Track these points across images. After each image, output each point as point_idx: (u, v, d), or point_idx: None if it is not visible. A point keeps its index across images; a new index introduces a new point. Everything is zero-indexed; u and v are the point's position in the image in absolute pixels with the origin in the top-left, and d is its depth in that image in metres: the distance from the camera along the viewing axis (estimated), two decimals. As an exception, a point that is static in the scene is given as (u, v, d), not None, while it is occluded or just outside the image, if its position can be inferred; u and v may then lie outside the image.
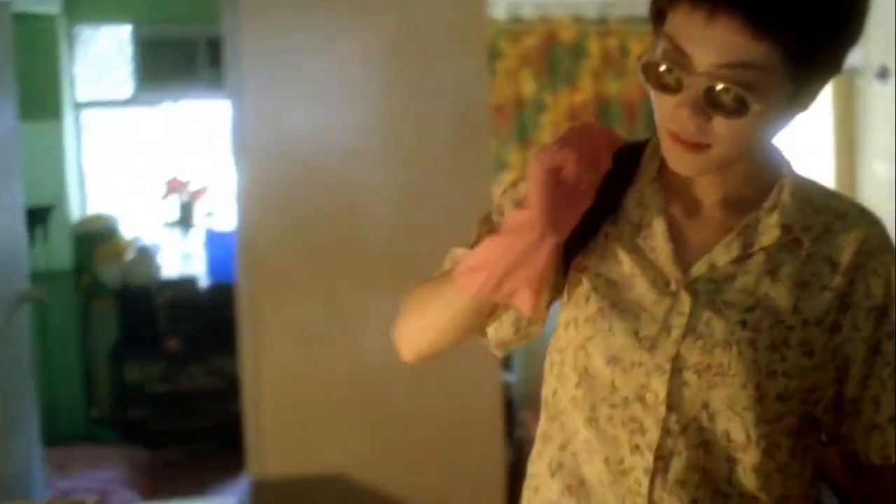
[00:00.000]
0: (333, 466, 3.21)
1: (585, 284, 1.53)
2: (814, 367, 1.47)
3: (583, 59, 6.48)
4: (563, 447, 1.56)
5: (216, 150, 6.48)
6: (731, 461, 1.49)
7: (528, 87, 6.34)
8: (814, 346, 1.46)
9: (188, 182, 6.29)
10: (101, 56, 6.56)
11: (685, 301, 1.46)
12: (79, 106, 6.44)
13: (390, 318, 1.65)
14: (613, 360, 1.49)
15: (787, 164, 1.51)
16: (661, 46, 1.34)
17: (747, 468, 1.48)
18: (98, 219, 6.30)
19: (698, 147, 1.37)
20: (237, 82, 3.55)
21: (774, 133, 1.44)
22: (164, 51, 6.39)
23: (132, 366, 6.21)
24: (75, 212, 6.32)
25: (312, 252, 3.54)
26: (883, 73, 6.65)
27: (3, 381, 3.65)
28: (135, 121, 6.60)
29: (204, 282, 6.25)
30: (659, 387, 1.46)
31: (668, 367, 1.45)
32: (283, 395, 3.53)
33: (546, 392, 1.60)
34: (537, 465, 1.61)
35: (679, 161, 1.41)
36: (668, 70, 1.33)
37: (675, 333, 1.46)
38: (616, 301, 1.50)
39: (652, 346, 1.47)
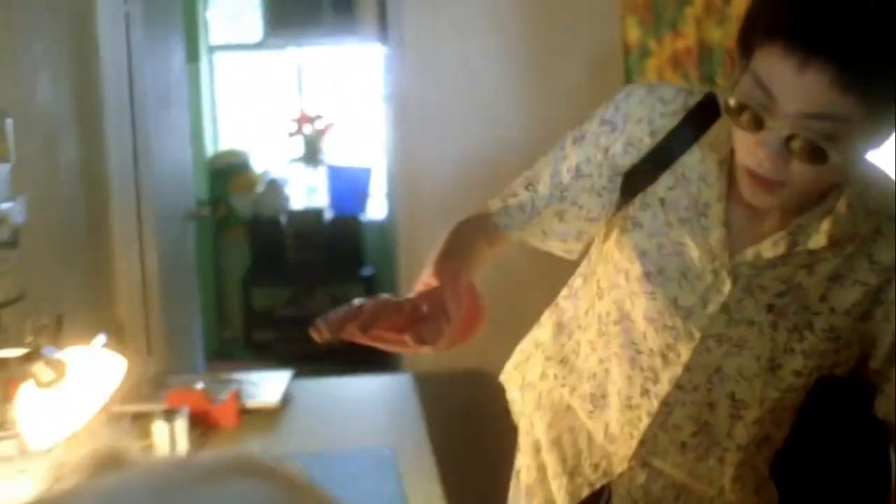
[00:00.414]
0: (478, 364, 3.53)
1: (638, 243, 1.60)
2: (837, 350, 1.55)
3: (686, 7, 6.71)
4: (601, 360, 1.72)
5: (341, 91, 6.88)
6: (734, 417, 1.61)
7: (634, 33, 6.62)
8: (840, 332, 1.53)
9: (316, 117, 6.66)
10: (233, 2, 6.98)
11: (726, 282, 1.53)
12: (212, 49, 6.88)
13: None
14: (651, 319, 1.60)
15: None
16: (748, 85, 1.33)
17: (748, 423, 1.61)
18: (231, 154, 6.74)
19: (773, 185, 1.37)
20: (397, 22, 3.87)
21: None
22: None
23: (261, 291, 6.67)
24: (209, 148, 6.76)
25: (463, 182, 3.77)
26: None
27: (175, 291, 4.04)
28: (263, 64, 7.02)
29: (328, 214, 6.66)
30: (683, 350, 1.58)
31: (697, 335, 1.57)
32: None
33: (604, 308, 1.71)
34: (575, 362, 1.79)
35: (753, 196, 1.42)
36: (753, 109, 1.33)
37: (711, 309, 1.55)
38: (663, 268, 1.58)
39: (687, 316, 1.57)
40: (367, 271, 6.52)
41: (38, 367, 1.57)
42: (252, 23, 6.90)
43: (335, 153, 6.76)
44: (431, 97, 3.84)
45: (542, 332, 1.89)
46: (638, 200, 1.60)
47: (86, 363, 1.62)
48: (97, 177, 3.35)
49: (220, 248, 6.71)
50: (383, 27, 6.33)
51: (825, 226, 1.46)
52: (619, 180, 1.61)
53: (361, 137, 6.86)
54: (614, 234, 1.65)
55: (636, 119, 1.57)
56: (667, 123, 1.54)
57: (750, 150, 1.36)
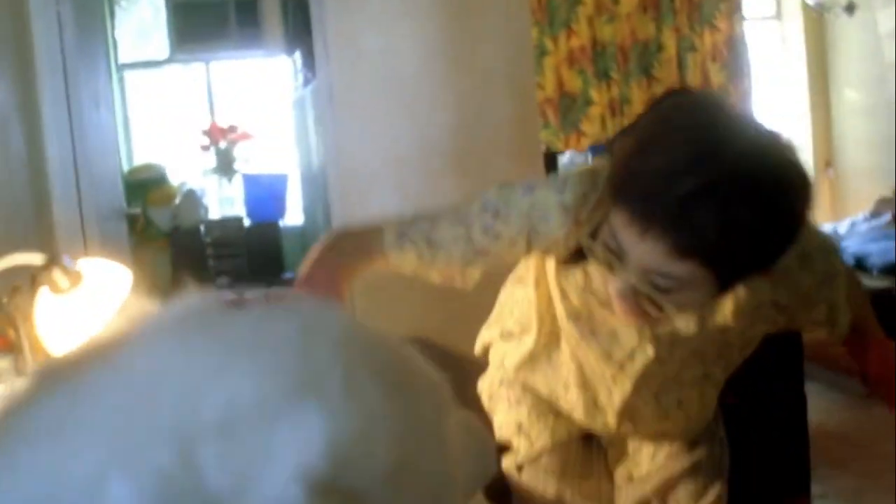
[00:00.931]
0: (416, 331, 3.71)
1: (569, 311, 1.75)
2: (751, 345, 1.81)
3: (577, 6, 7.01)
4: (574, 357, 1.84)
5: (251, 102, 7.04)
6: (682, 407, 1.84)
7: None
8: (756, 339, 1.78)
9: (228, 128, 6.81)
10: (140, 20, 7.10)
11: (650, 347, 1.71)
12: (121, 67, 6.98)
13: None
14: (594, 358, 1.77)
15: None
16: (606, 231, 1.42)
17: (698, 409, 1.87)
18: (147, 168, 6.82)
19: (637, 313, 1.47)
20: (319, 13, 4.05)
21: None
22: (197, 13, 6.94)
23: (184, 301, 6.70)
24: (124, 164, 6.84)
25: (393, 177, 3.99)
26: (850, 8, 7.27)
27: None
28: (172, 79, 7.15)
29: (246, 222, 6.78)
30: (627, 382, 1.77)
31: (632, 378, 1.76)
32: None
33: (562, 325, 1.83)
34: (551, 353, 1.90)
35: (625, 318, 1.51)
36: (606, 256, 1.43)
37: (638, 365, 1.74)
38: (594, 330, 1.74)
39: (620, 367, 1.76)
40: (288, 275, 6.67)
41: (56, 274, 1.73)
42: (159, 40, 7.03)
43: (250, 162, 6.90)
44: (355, 94, 4.03)
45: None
46: (563, 277, 1.74)
47: (98, 274, 1.79)
48: (40, 170, 3.47)
49: (140, 261, 6.78)
50: (288, 39, 6.56)
51: (730, 305, 1.64)
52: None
53: (274, 146, 7.02)
54: (553, 294, 1.79)
55: (554, 240, 1.63)
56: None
57: (610, 283, 1.48)
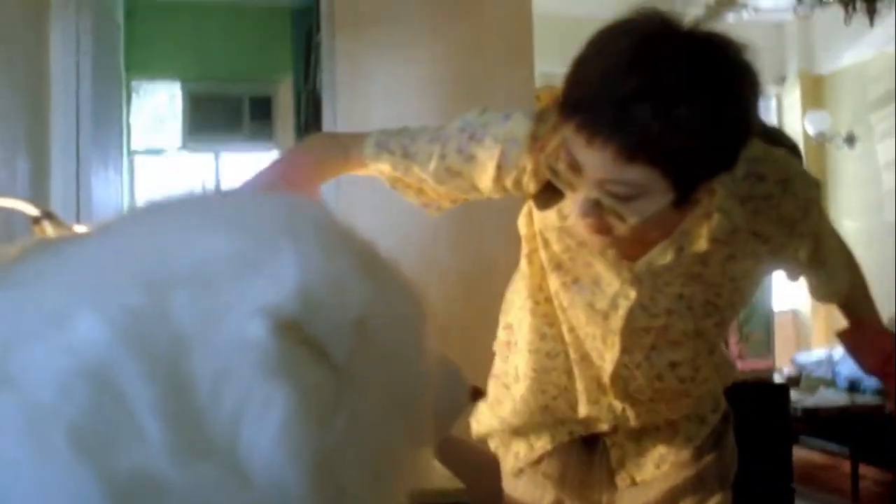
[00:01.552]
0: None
1: (551, 258, 1.74)
2: (745, 297, 1.75)
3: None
4: (571, 330, 1.81)
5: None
6: (675, 368, 1.78)
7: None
8: (745, 287, 1.71)
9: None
10: (155, 108, 7.25)
11: (631, 290, 1.67)
12: (133, 153, 7.11)
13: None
14: (583, 316, 1.75)
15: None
16: (561, 150, 1.41)
17: (692, 369, 1.80)
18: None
19: (602, 231, 1.46)
20: (330, 82, 4.15)
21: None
22: (212, 105, 7.10)
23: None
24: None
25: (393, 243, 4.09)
26: (850, 139, 7.43)
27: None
28: (182, 167, 7.26)
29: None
30: (615, 339, 1.73)
31: (618, 331, 1.71)
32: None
33: (552, 288, 1.79)
34: (550, 329, 1.85)
35: (590, 238, 1.52)
36: (564, 174, 1.43)
37: (621, 312, 1.69)
38: (577, 277, 1.72)
39: (605, 318, 1.71)
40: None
41: (50, 226, 1.76)
42: (173, 128, 7.17)
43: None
44: (361, 185, 4.11)
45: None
46: (541, 221, 1.73)
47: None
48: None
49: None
50: (299, 133, 6.69)
51: (704, 231, 1.58)
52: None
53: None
54: (537, 241, 1.78)
55: (522, 168, 1.64)
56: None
57: (574, 202, 1.45)
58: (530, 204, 1.75)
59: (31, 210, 1.78)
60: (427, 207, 1.83)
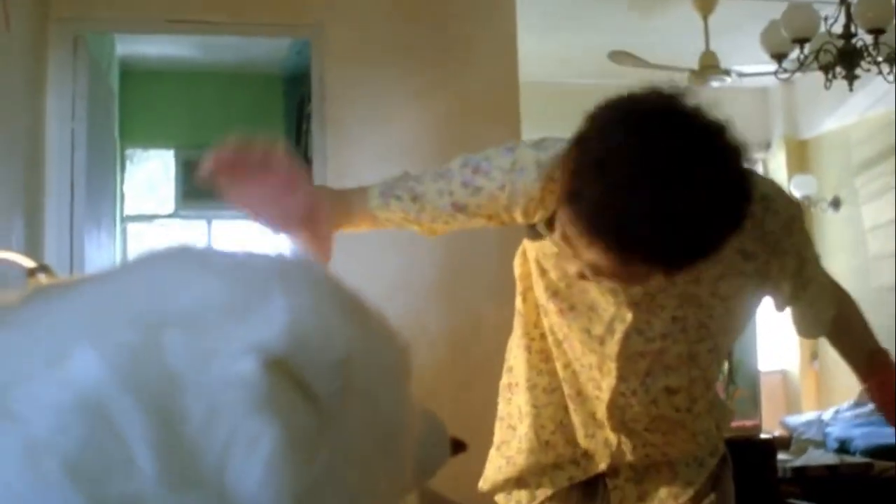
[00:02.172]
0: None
1: (548, 285, 1.79)
2: (738, 321, 1.81)
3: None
4: (566, 366, 1.86)
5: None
6: (671, 395, 1.81)
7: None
8: (736, 308, 1.75)
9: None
10: (148, 175, 7.32)
11: (627, 312, 1.71)
12: (126, 219, 7.16)
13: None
14: (579, 345, 1.79)
15: None
16: (560, 225, 1.49)
17: (687, 397, 1.83)
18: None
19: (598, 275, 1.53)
20: (321, 148, 4.25)
21: None
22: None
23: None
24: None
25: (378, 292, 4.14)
26: (836, 203, 7.50)
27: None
28: (175, 234, 7.30)
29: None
30: (612, 366, 1.77)
31: (614, 356, 1.75)
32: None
33: (546, 324, 1.86)
34: (545, 364, 1.90)
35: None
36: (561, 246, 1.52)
37: (618, 336, 1.73)
38: (573, 304, 1.77)
39: (601, 342, 1.75)
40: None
41: (45, 279, 1.80)
42: (165, 195, 7.22)
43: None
44: (351, 242, 4.17)
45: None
46: (538, 250, 1.78)
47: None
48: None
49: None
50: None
51: None
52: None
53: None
54: (533, 273, 1.83)
55: (529, 197, 1.66)
56: (552, 198, 1.64)
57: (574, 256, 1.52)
58: (524, 244, 1.82)
59: (27, 262, 1.82)
60: (429, 236, 1.84)
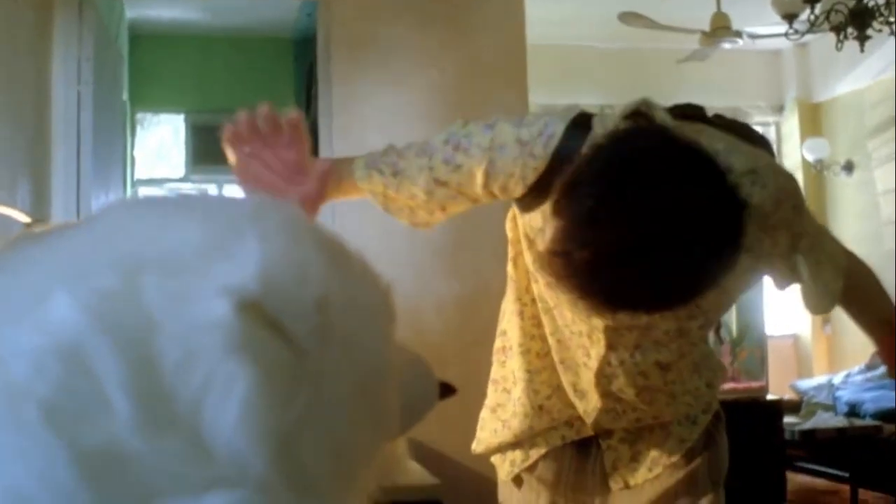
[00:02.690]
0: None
1: (534, 257, 1.79)
2: (731, 298, 1.79)
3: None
4: (553, 332, 1.86)
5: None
6: (665, 371, 1.80)
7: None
8: (728, 286, 1.64)
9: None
10: (158, 140, 7.34)
11: None
12: (136, 182, 7.19)
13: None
14: (569, 313, 1.79)
15: None
16: (545, 232, 1.48)
17: (678, 370, 1.82)
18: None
19: None
20: (326, 109, 4.25)
21: None
22: (214, 137, 7.18)
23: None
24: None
25: (383, 260, 4.16)
26: (848, 167, 7.47)
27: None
28: (186, 197, 7.35)
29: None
30: (600, 335, 1.76)
31: (601, 327, 1.75)
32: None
33: (536, 290, 1.86)
34: (537, 329, 1.89)
35: None
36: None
37: None
38: None
39: (588, 316, 1.74)
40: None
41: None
42: (176, 159, 7.24)
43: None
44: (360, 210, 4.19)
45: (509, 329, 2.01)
46: (526, 223, 1.77)
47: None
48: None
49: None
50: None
51: None
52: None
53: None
54: (522, 242, 1.83)
55: (509, 174, 1.67)
56: (533, 175, 1.65)
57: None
58: (514, 208, 1.80)
59: (23, 217, 1.84)
60: (418, 226, 1.85)
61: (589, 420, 1.89)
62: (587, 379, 1.84)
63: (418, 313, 4.16)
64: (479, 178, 1.68)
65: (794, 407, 6.11)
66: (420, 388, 1.03)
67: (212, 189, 7.32)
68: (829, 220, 7.61)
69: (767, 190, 1.62)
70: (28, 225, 1.81)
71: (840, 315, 6.54)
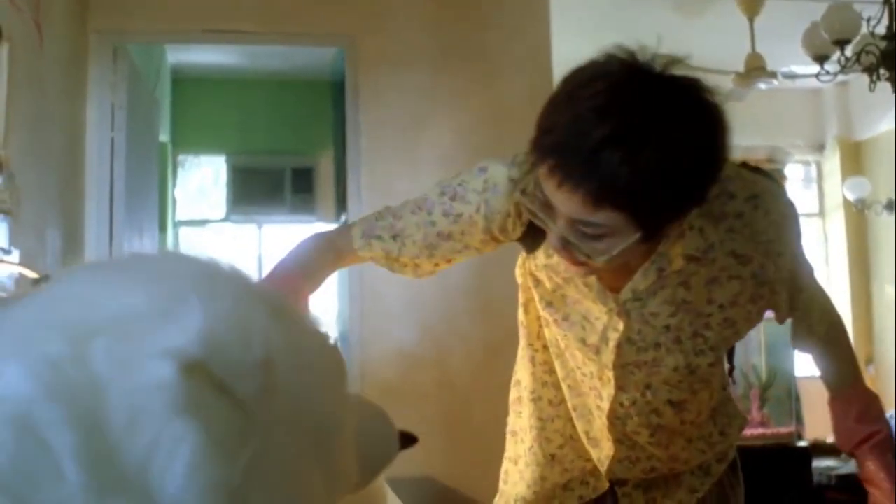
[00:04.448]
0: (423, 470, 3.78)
1: (542, 296, 1.77)
2: (738, 332, 1.72)
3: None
4: (567, 376, 1.85)
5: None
6: (679, 411, 1.77)
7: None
8: (735, 318, 1.68)
9: (274, 290, 7.02)
10: (200, 181, 7.44)
11: (619, 321, 1.66)
12: (178, 223, 7.29)
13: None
14: (579, 354, 1.76)
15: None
16: (536, 195, 1.47)
17: (692, 411, 1.79)
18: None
19: (578, 264, 1.51)
20: (355, 154, 4.29)
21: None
22: (255, 177, 7.28)
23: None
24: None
25: (413, 303, 4.18)
26: (890, 205, 7.38)
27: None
28: (226, 238, 7.42)
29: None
30: (610, 375, 1.74)
31: (611, 366, 1.72)
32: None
33: (548, 335, 1.85)
34: (550, 377, 1.88)
35: (568, 269, 1.59)
36: (539, 213, 1.48)
37: (611, 345, 1.69)
38: (567, 314, 1.74)
39: (596, 352, 1.72)
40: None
41: None
42: (217, 200, 7.34)
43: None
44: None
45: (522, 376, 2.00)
46: (531, 261, 1.76)
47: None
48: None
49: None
50: (339, 204, 6.81)
51: (678, 248, 1.58)
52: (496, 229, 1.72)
53: (320, 309, 7.20)
54: (530, 282, 1.82)
55: (505, 213, 1.67)
56: (526, 211, 1.61)
57: (550, 240, 1.50)
58: (523, 254, 1.80)
59: (31, 274, 1.89)
60: (422, 277, 1.86)
61: (603, 468, 1.88)
62: (599, 425, 1.83)
63: (447, 356, 4.17)
64: (479, 222, 1.69)
65: (833, 450, 6.00)
66: (379, 439, 1.04)
67: (252, 229, 7.41)
68: (871, 260, 7.52)
69: (770, 216, 1.62)
70: (36, 281, 1.86)
71: (884, 355, 6.48)
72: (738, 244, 1.60)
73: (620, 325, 1.67)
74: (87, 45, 3.81)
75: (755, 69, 5.84)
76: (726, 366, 1.90)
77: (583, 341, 1.74)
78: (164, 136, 6.87)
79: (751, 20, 5.80)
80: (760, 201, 1.60)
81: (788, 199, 1.68)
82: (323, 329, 0.91)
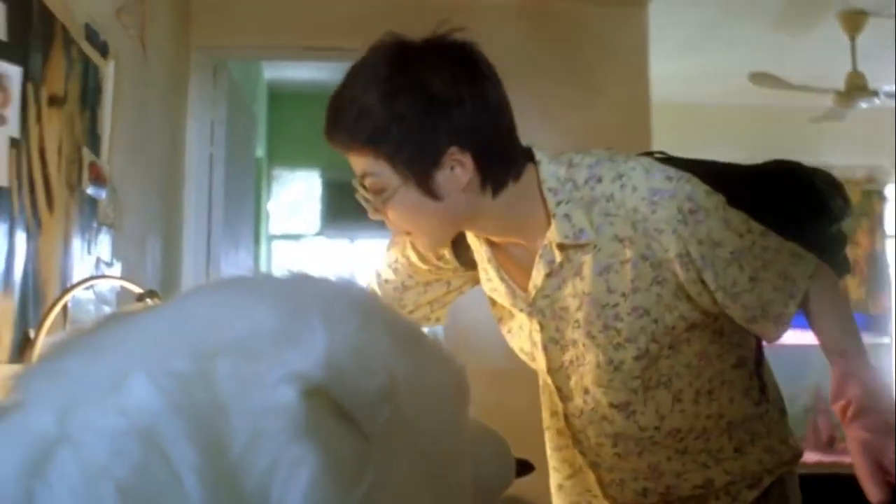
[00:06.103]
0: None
1: (494, 313, 1.85)
2: (655, 320, 1.62)
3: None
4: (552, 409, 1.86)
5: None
6: (627, 412, 1.69)
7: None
8: (644, 305, 1.61)
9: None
10: (293, 196, 7.53)
11: (535, 321, 1.69)
12: (272, 237, 7.38)
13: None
14: (537, 366, 1.78)
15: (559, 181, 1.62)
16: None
17: (649, 414, 1.69)
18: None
19: (387, 221, 1.62)
20: None
21: (457, 205, 1.58)
22: (348, 192, 7.33)
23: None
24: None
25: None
26: None
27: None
28: (319, 252, 7.49)
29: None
30: (549, 381, 1.75)
31: (546, 370, 1.73)
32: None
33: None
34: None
35: (398, 237, 1.79)
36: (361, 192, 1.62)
37: (539, 347, 1.70)
38: (510, 327, 1.79)
39: (532, 360, 1.76)
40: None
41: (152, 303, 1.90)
42: (310, 215, 7.42)
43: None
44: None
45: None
46: (485, 285, 1.81)
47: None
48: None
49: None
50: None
51: (549, 238, 1.61)
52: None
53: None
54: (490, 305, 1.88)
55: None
56: None
57: None
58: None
59: (135, 288, 1.92)
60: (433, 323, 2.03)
61: (603, 495, 1.81)
62: (565, 440, 1.82)
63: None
64: (412, 256, 1.84)
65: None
66: (496, 466, 1.04)
67: (344, 244, 7.47)
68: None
69: (639, 192, 1.57)
70: (141, 297, 1.89)
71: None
72: (618, 227, 1.59)
73: (538, 325, 1.69)
74: (188, 62, 3.89)
75: (856, 88, 5.72)
76: (756, 381, 1.77)
77: (523, 351, 1.77)
78: (259, 151, 6.97)
79: (852, 38, 5.67)
80: (627, 179, 1.58)
81: (679, 177, 1.59)
82: (449, 355, 0.91)
